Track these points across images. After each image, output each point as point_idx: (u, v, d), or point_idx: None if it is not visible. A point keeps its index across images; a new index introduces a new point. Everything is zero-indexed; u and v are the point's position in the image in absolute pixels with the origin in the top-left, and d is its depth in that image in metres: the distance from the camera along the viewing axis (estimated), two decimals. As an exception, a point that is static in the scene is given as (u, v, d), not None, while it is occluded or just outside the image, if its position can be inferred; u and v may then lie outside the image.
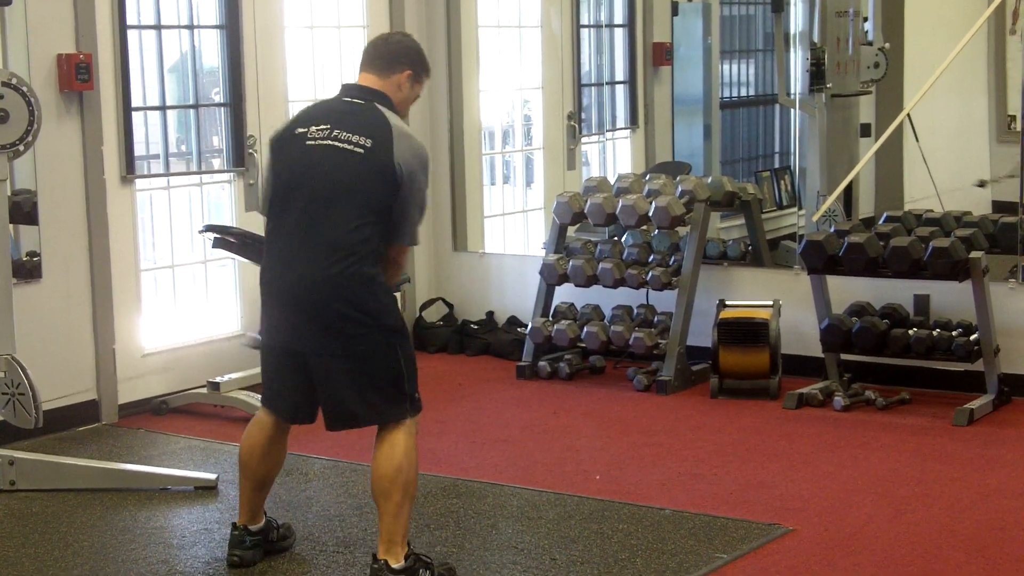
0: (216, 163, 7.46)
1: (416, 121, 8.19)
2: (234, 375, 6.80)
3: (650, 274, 7.22)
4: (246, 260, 6.50)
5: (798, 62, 8.07)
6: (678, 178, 7.47)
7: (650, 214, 7.16)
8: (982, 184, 8.23)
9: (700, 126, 9.65)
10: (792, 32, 8.39)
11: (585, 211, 7.41)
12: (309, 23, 7.79)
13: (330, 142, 4.43)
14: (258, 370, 4.79)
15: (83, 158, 6.53)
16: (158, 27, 7.08)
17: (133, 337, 6.82)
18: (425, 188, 4.50)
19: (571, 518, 5.21)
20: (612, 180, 7.65)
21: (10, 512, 5.41)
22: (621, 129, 9.46)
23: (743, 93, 10.23)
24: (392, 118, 4.46)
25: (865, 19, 8.46)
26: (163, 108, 7.14)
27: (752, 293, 7.25)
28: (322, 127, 4.46)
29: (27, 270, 6.38)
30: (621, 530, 5.05)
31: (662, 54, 9.25)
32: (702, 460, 5.92)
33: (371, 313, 4.37)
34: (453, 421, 6.67)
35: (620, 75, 9.40)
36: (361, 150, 4.39)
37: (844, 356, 6.85)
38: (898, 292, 6.90)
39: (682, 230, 7.31)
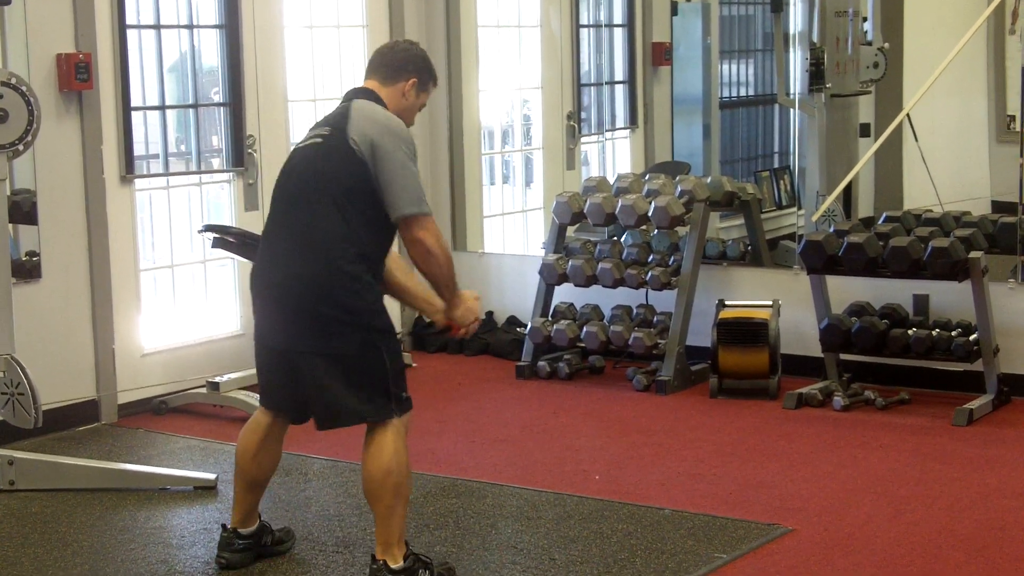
0: (215, 163, 7.46)
1: (416, 121, 8.14)
2: (233, 375, 6.80)
3: (649, 274, 7.22)
4: (245, 260, 6.49)
5: (797, 62, 8.07)
6: (677, 178, 7.47)
7: (649, 214, 7.16)
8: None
9: (699, 126, 9.65)
10: (791, 32, 8.39)
11: (584, 211, 7.41)
12: (308, 23, 7.79)
13: (305, 144, 4.51)
14: (258, 370, 4.80)
15: (82, 158, 6.53)
16: (157, 27, 7.08)
17: (133, 337, 6.82)
18: (403, 153, 4.34)
19: (571, 518, 5.21)
20: (611, 180, 7.65)
21: (10, 512, 5.41)
22: (620, 129, 9.45)
23: (742, 93, 10.23)
24: (359, 103, 4.45)
25: (864, 19, 8.46)
26: (162, 108, 7.14)
27: (751, 293, 7.26)
28: (307, 134, 4.56)
29: (27, 270, 6.37)
30: (621, 530, 5.05)
31: (661, 54, 9.25)
32: (702, 460, 5.92)
33: (354, 312, 4.36)
34: (453, 421, 6.67)
35: (619, 75, 9.40)
36: (320, 139, 4.44)
37: (843, 356, 6.85)
38: (897, 292, 6.90)
39: (681, 230, 7.31)
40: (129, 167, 6.78)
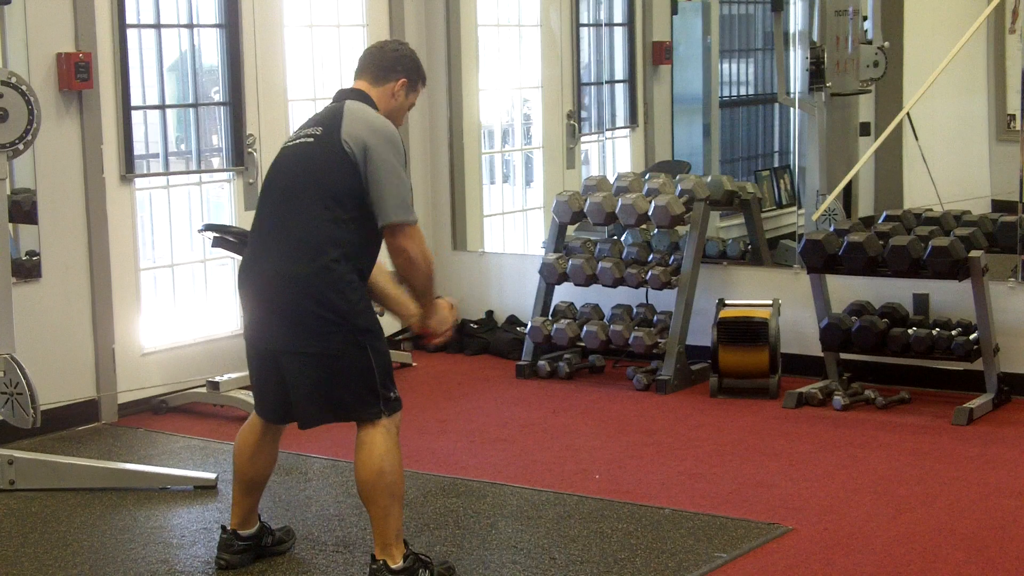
0: (216, 162, 7.46)
1: (416, 121, 8.21)
2: (233, 374, 6.80)
3: (649, 273, 7.22)
4: (245, 259, 6.50)
5: (798, 61, 8.07)
6: (678, 177, 7.47)
7: (650, 213, 7.16)
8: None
9: (700, 125, 9.65)
10: (792, 31, 8.38)
11: (585, 210, 7.41)
12: (309, 22, 7.79)
13: (297, 141, 4.51)
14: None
15: (83, 157, 6.53)
16: (157, 26, 7.08)
17: (133, 336, 6.82)
18: (394, 161, 4.35)
19: (571, 517, 5.21)
20: (612, 179, 7.65)
21: (10, 512, 5.41)
22: (621, 128, 9.45)
23: (743, 92, 10.22)
24: (351, 104, 4.45)
25: (865, 18, 8.44)
26: (163, 107, 7.14)
27: (751, 292, 7.25)
28: (298, 131, 4.56)
29: (27, 269, 6.37)
30: (621, 529, 5.05)
31: (662, 53, 9.25)
32: (702, 459, 5.92)
33: (340, 312, 4.36)
34: (453, 420, 6.67)
35: (620, 74, 9.39)
36: (312, 139, 4.43)
37: (844, 355, 6.85)
38: (897, 291, 6.90)
39: (681, 229, 7.30)
40: (129, 166, 6.78)
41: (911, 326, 6.75)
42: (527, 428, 6.53)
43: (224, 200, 7.39)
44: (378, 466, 4.37)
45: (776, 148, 10.19)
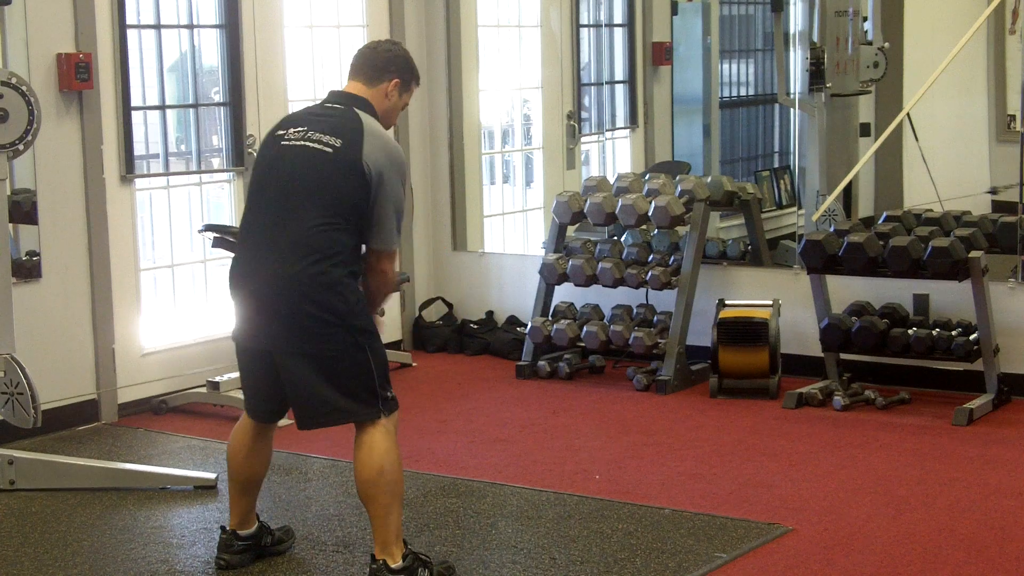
0: (216, 162, 7.46)
1: (416, 121, 8.21)
2: (233, 375, 6.79)
3: (649, 274, 7.22)
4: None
5: (798, 62, 8.07)
6: (678, 178, 7.47)
7: (650, 214, 7.17)
8: (994, 191, 8.23)
9: (699, 126, 9.65)
10: (792, 32, 8.38)
11: (585, 211, 7.41)
12: (309, 22, 7.79)
13: (303, 143, 4.46)
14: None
15: (83, 158, 6.53)
16: (158, 26, 7.08)
17: (133, 336, 6.82)
18: (400, 191, 4.47)
19: (571, 517, 5.21)
20: (612, 180, 7.65)
21: (10, 512, 5.41)
22: (621, 129, 9.45)
23: (743, 93, 10.22)
24: (366, 119, 4.47)
25: (865, 19, 8.44)
26: (163, 107, 7.14)
27: (752, 293, 7.26)
28: (299, 129, 4.50)
29: (27, 270, 6.38)
30: (621, 530, 5.05)
31: (662, 54, 9.25)
32: (702, 460, 5.92)
33: (338, 314, 4.37)
34: (453, 420, 6.67)
35: (620, 75, 9.40)
36: (330, 149, 4.41)
37: (844, 356, 6.85)
38: (898, 292, 6.90)
39: (681, 230, 7.31)
40: (129, 167, 6.78)
41: (911, 326, 6.75)
42: (527, 428, 6.53)
43: (224, 200, 7.39)
44: (379, 465, 4.38)
45: (776, 149, 10.19)
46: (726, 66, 9.94)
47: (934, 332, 6.62)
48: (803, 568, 4.67)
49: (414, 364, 7.81)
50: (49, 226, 6.42)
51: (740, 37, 10.18)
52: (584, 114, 9.22)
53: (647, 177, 7.55)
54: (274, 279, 4.40)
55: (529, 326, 7.52)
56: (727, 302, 7.07)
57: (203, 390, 6.83)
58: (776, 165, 10.07)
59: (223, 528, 4.81)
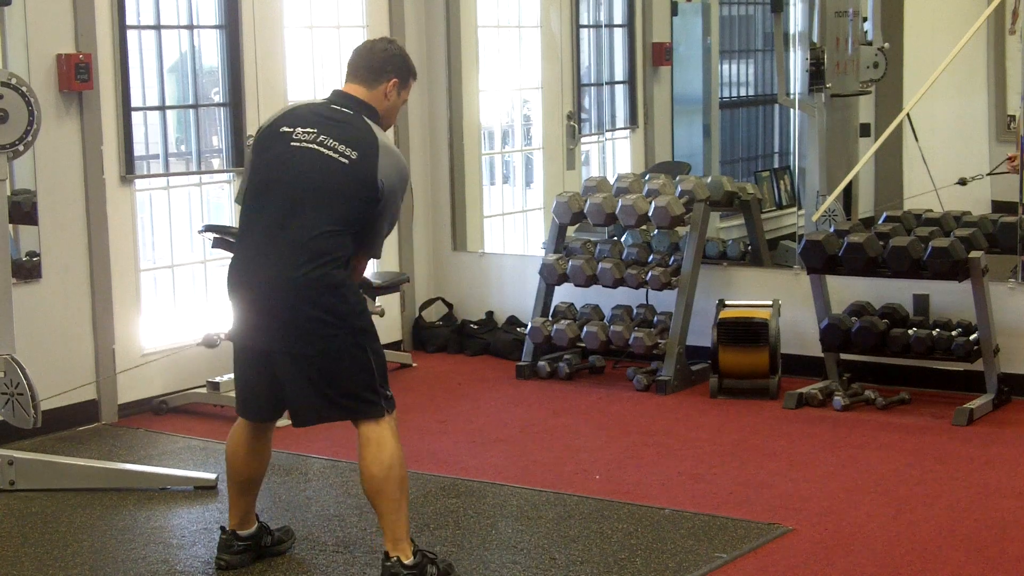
0: (216, 163, 7.46)
1: (416, 121, 8.21)
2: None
3: (650, 274, 7.22)
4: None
5: (797, 62, 8.06)
6: (678, 178, 7.47)
7: (650, 214, 7.17)
8: (963, 182, 8.19)
9: (699, 126, 9.65)
10: (791, 32, 8.38)
11: (585, 211, 7.41)
12: (309, 23, 7.79)
13: (315, 147, 4.44)
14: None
15: (83, 158, 6.53)
16: (158, 27, 7.08)
17: (133, 337, 6.82)
18: (399, 207, 4.56)
19: (571, 518, 5.21)
20: (612, 180, 7.65)
21: (10, 512, 5.41)
22: (621, 129, 9.46)
23: (742, 93, 10.23)
24: (379, 133, 4.50)
25: (864, 19, 8.44)
26: (163, 108, 7.14)
27: (751, 293, 7.25)
28: (309, 130, 4.47)
29: (27, 270, 6.38)
30: (621, 530, 5.05)
31: (662, 54, 9.25)
32: (702, 460, 5.92)
33: (340, 315, 4.40)
34: (453, 421, 6.67)
35: (620, 75, 9.40)
36: (346, 160, 4.41)
37: (844, 356, 6.85)
38: (898, 292, 6.90)
39: (681, 230, 7.31)
40: (129, 167, 6.78)
41: (911, 327, 6.75)
42: (527, 429, 6.53)
43: (224, 201, 7.39)
44: (388, 460, 4.41)
45: (776, 149, 10.19)
46: (726, 66, 9.95)
47: (934, 332, 6.62)
48: (803, 568, 4.67)
49: (414, 364, 7.81)
50: (49, 226, 6.43)
51: (740, 37, 10.18)
52: (584, 114, 9.22)
53: (647, 177, 7.55)
54: (275, 281, 4.40)
55: (529, 326, 7.52)
56: (727, 302, 7.07)
57: (203, 390, 6.83)
58: (776, 165, 10.08)
59: (223, 528, 4.82)
